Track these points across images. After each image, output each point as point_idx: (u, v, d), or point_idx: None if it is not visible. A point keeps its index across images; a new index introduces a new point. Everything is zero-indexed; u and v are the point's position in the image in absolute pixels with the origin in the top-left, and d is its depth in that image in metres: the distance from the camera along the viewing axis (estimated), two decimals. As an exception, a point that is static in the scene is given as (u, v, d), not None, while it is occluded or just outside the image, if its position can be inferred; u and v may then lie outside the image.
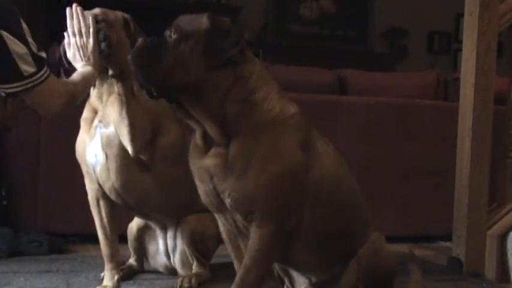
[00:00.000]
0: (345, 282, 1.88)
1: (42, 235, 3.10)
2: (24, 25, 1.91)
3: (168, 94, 1.70)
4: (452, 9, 7.21)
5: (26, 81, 1.90)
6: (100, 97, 2.23)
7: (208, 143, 1.73)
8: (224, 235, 1.91)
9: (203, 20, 1.71)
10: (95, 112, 2.25)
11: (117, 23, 2.24)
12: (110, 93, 2.21)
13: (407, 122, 3.84)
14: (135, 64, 1.67)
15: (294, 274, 2.02)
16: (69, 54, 2.19)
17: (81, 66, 2.15)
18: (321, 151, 1.82)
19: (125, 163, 2.21)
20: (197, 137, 1.75)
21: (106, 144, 2.20)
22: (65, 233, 3.32)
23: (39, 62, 1.93)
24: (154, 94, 1.71)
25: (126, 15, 2.29)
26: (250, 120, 1.69)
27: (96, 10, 2.25)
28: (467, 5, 2.95)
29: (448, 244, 3.20)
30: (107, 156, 2.21)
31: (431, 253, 3.49)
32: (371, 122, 3.79)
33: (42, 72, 1.93)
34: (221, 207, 1.76)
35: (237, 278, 1.74)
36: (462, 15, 3.04)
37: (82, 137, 2.27)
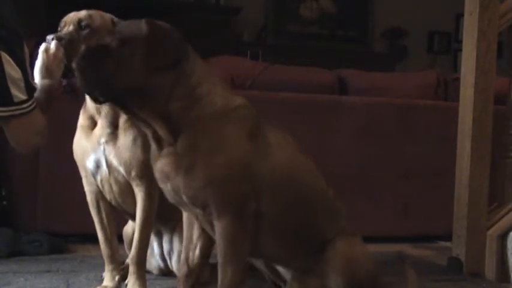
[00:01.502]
0: (322, 272, 1.92)
1: (42, 235, 3.10)
2: (26, 49, 1.88)
3: (114, 98, 1.75)
4: (452, 9, 7.21)
5: (14, 107, 1.85)
6: (98, 109, 2.17)
7: (160, 145, 1.78)
8: (184, 224, 1.96)
9: (142, 26, 1.74)
10: (92, 119, 2.20)
11: (103, 28, 2.13)
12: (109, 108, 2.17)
13: (407, 122, 3.84)
14: (78, 71, 1.72)
15: (279, 268, 2.05)
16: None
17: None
18: (273, 142, 1.85)
19: (128, 184, 2.20)
20: (149, 140, 1.80)
21: (111, 164, 2.18)
22: (65, 233, 3.32)
23: (30, 91, 1.88)
24: (100, 99, 1.76)
25: (116, 19, 2.20)
26: (193, 115, 1.73)
27: (82, 13, 2.15)
28: (467, 5, 2.95)
29: (448, 244, 3.20)
30: (110, 172, 2.19)
31: (431, 253, 3.49)
32: (371, 122, 3.79)
33: (31, 102, 1.88)
34: (181, 204, 1.81)
35: (219, 280, 1.79)
36: (462, 15, 3.04)
37: (81, 142, 2.23)
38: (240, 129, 1.77)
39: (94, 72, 1.71)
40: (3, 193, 3.45)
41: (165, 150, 1.76)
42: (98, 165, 2.20)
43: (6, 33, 1.83)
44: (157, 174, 1.81)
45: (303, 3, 7.61)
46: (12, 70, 1.82)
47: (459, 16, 7.24)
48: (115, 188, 2.22)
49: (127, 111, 1.80)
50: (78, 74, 1.72)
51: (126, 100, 1.74)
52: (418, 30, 7.75)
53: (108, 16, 2.18)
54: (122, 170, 2.15)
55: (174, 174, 1.74)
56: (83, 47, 1.72)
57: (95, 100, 1.80)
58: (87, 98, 2.17)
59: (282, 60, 4.14)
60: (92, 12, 2.16)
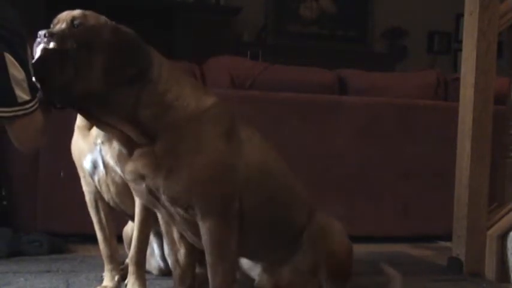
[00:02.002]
0: (298, 262, 1.98)
1: (42, 235, 3.10)
2: (29, 51, 1.85)
3: (73, 104, 1.69)
4: (452, 9, 7.21)
5: (18, 108, 1.84)
6: None
7: (129, 146, 1.74)
8: (163, 227, 1.96)
9: (104, 31, 1.68)
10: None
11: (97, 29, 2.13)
12: None
13: (407, 122, 3.84)
14: (35, 75, 1.66)
15: (246, 265, 2.09)
16: None
17: None
18: (245, 139, 1.84)
19: (127, 185, 2.20)
20: (116, 142, 1.77)
21: (107, 164, 2.18)
22: (65, 233, 3.31)
23: (33, 91, 1.86)
24: (58, 106, 1.72)
25: (110, 22, 2.19)
26: (168, 120, 1.70)
27: (76, 12, 2.15)
28: (467, 5, 2.94)
29: (448, 244, 3.19)
30: (107, 172, 2.19)
31: (431, 253, 3.49)
32: (371, 122, 3.79)
33: (34, 102, 1.87)
34: (157, 204, 1.80)
35: (209, 277, 1.79)
36: (462, 15, 3.03)
37: (78, 143, 2.22)
38: (215, 130, 1.75)
39: (51, 78, 1.62)
40: (3, 193, 3.44)
41: (139, 151, 1.72)
42: (95, 166, 2.20)
43: (9, 34, 1.83)
44: (128, 175, 1.77)
45: (303, 3, 7.61)
46: (16, 71, 1.82)
47: (459, 16, 7.24)
48: (112, 188, 2.22)
49: (89, 117, 1.75)
50: (35, 79, 1.66)
51: (87, 107, 1.68)
52: (418, 30, 7.75)
53: (103, 18, 2.15)
54: (118, 170, 2.15)
55: (153, 175, 1.71)
56: (40, 48, 1.65)
57: (53, 106, 1.73)
58: None
59: (282, 60, 4.14)
60: (88, 12, 2.14)
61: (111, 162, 2.15)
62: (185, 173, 1.69)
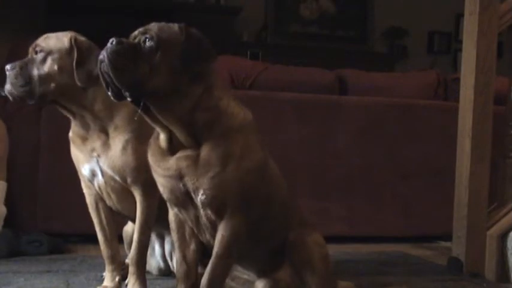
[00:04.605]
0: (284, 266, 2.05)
1: (42, 235, 3.10)
2: None
3: (138, 99, 1.75)
4: (452, 9, 7.22)
5: None
6: (86, 125, 2.16)
7: (173, 145, 1.83)
8: (173, 224, 2.00)
9: (178, 32, 1.78)
10: (82, 135, 2.19)
11: (58, 49, 2.10)
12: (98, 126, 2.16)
13: (407, 122, 3.84)
14: (112, 66, 1.69)
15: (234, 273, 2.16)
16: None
17: None
18: (266, 152, 1.97)
19: (126, 190, 2.21)
20: (162, 140, 1.85)
21: (105, 173, 2.18)
22: (65, 233, 3.32)
23: None
24: (125, 97, 1.73)
25: (78, 37, 2.14)
26: (221, 126, 1.81)
27: (40, 39, 2.13)
28: (467, 5, 2.95)
29: (448, 244, 3.20)
30: (105, 180, 2.20)
31: (431, 253, 3.49)
32: (371, 122, 3.79)
33: None
34: (186, 203, 1.87)
35: (209, 267, 1.87)
36: (462, 15, 3.03)
37: (75, 152, 2.23)
38: (257, 139, 1.89)
39: (126, 71, 1.70)
40: (3, 193, 3.45)
41: (182, 153, 1.80)
42: (93, 174, 2.21)
43: None
44: (165, 171, 1.83)
45: (303, 3, 7.61)
46: None
47: (459, 16, 7.24)
48: (113, 196, 2.24)
49: (146, 113, 1.80)
50: (111, 69, 1.69)
51: (149, 102, 1.75)
52: (418, 30, 7.75)
53: (66, 38, 2.13)
54: (117, 178, 2.17)
55: (197, 175, 1.79)
56: (113, 41, 1.68)
57: (118, 97, 1.75)
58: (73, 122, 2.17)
59: (282, 60, 4.14)
60: (50, 35, 2.14)
61: (109, 171, 2.16)
62: (231, 175, 1.80)
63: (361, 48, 7.67)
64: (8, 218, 3.27)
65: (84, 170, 2.22)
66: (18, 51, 3.27)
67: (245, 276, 2.16)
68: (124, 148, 2.13)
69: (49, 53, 2.10)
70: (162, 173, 1.86)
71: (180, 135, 1.80)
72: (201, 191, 1.81)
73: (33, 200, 3.35)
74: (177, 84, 1.74)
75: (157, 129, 1.85)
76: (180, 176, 1.81)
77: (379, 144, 3.80)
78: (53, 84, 2.08)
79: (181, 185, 1.82)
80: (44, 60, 2.09)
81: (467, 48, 2.95)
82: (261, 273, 2.10)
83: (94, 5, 6.39)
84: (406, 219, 3.82)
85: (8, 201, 3.34)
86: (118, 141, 2.14)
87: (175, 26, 1.80)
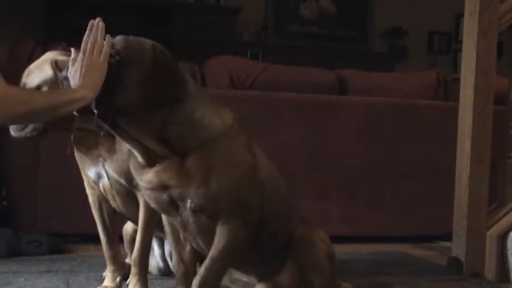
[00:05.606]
0: (287, 268, 2.04)
1: (42, 235, 3.10)
2: None
3: (105, 115, 1.73)
4: (452, 9, 7.21)
5: None
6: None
7: (150, 158, 1.79)
8: (168, 227, 2.01)
9: (149, 49, 1.73)
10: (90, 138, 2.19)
11: (44, 82, 2.07)
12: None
13: (407, 122, 3.84)
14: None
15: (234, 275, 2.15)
16: (71, 71, 1.86)
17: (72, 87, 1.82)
18: (258, 153, 1.93)
19: (131, 194, 2.21)
20: (137, 155, 1.81)
21: (111, 176, 2.19)
22: (65, 233, 3.32)
23: None
24: (93, 113, 1.71)
25: (54, 67, 2.10)
26: (196, 139, 1.77)
27: (24, 77, 2.11)
28: (467, 5, 2.95)
29: (448, 244, 3.20)
30: (111, 184, 2.20)
31: (431, 253, 3.49)
32: (371, 122, 3.79)
33: None
34: (172, 212, 1.86)
35: (203, 268, 1.85)
36: (462, 15, 3.04)
37: (80, 156, 2.23)
38: (241, 144, 1.85)
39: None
40: (3, 193, 3.45)
41: (164, 163, 1.77)
42: (99, 176, 2.22)
43: None
44: (147, 184, 1.82)
45: (303, 3, 7.60)
46: None
47: (459, 16, 7.24)
48: (118, 198, 2.25)
49: (115, 129, 1.78)
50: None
51: (119, 120, 1.73)
52: (418, 30, 7.75)
53: (47, 65, 2.11)
54: (123, 181, 2.17)
55: (182, 186, 1.77)
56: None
57: (84, 112, 1.72)
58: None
59: (282, 60, 4.14)
60: (30, 68, 2.13)
61: (115, 175, 2.16)
62: (217, 184, 1.77)
63: (361, 48, 7.66)
64: (8, 218, 3.28)
65: (89, 172, 2.23)
66: (18, 51, 3.29)
67: (245, 279, 2.15)
68: (129, 152, 2.13)
69: (38, 88, 2.07)
70: (145, 186, 1.84)
71: (154, 147, 1.77)
72: (189, 200, 1.79)
73: (33, 200, 3.35)
74: (146, 103, 1.69)
75: (128, 146, 1.82)
76: (163, 187, 1.79)
77: (379, 144, 3.80)
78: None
79: (165, 196, 1.81)
80: None
81: (467, 48, 2.95)
82: (262, 277, 2.09)
83: (94, 4, 6.40)
84: (406, 219, 3.81)
85: (8, 201, 3.35)
86: (124, 145, 2.14)
87: (147, 43, 1.74)
